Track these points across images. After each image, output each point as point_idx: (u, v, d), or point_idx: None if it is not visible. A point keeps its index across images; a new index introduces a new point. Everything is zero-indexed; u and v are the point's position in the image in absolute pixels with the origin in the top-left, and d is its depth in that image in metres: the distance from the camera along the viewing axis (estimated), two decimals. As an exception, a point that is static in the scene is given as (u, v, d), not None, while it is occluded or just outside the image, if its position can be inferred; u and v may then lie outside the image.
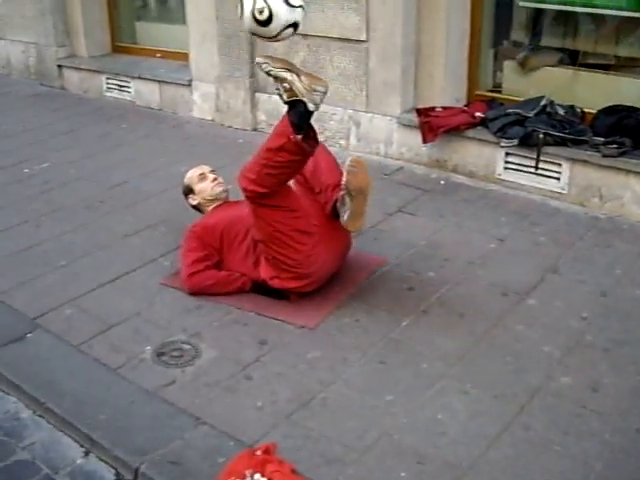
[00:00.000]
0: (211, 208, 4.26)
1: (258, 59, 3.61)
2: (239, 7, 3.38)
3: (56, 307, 3.91)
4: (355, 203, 3.63)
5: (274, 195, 3.62)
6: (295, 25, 3.35)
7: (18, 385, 3.35)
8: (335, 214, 3.74)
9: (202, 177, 4.33)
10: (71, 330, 3.70)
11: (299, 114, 3.47)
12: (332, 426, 3.01)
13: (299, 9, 3.34)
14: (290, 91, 3.46)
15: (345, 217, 3.66)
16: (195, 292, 3.94)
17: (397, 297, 3.90)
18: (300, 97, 3.44)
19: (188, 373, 3.35)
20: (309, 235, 3.74)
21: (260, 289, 3.92)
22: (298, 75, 3.46)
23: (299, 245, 3.71)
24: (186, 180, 4.40)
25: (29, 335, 3.69)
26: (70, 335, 3.66)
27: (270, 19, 3.29)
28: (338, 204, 3.69)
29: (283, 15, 3.29)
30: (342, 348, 3.49)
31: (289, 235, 3.69)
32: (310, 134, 3.56)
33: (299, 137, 3.46)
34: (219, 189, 4.28)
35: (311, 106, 3.46)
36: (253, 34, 3.50)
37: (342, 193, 3.65)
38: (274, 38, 3.39)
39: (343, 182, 3.63)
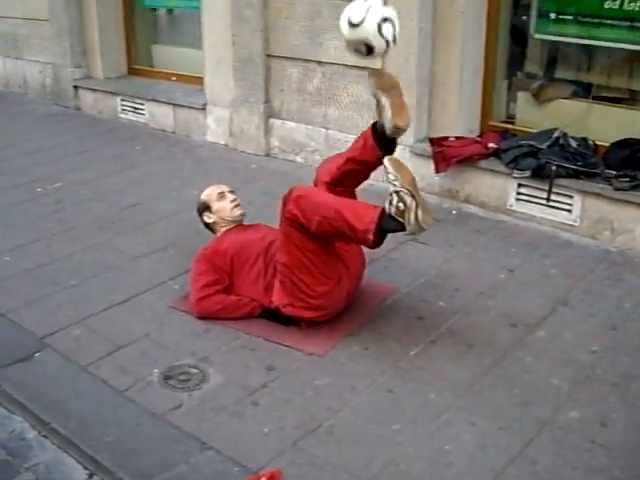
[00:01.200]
0: (224, 230, 4.25)
1: (386, 163, 3.56)
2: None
3: (65, 327, 3.91)
4: (392, 97, 3.65)
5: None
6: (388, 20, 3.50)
7: (24, 405, 3.34)
8: (379, 137, 3.81)
9: (221, 196, 4.29)
10: (79, 350, 3.70)
11: (392, 229, 3.49)
12: (338, 454, 2.99)
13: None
14: (400, 212, 3.43)
15: (390, 114, 3.66)
16: (204, 316, 3.94)
17: (407, 326, 3.89)
18: (406, 225, 3.43)
19: (195, 397, 3.33)
20: (335, 272, 3.74)
21: (269, 315, 3.90)
22: (417, 205, 3.42)
23: (325, 279, 3.70)
24: (204, 197, 4.35)
25: (37, 354, 3.68)
26: (78, 355, 3.66)
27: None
28: (376, 116, 3.74)
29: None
30: (350, 376, 3.47)
31: (318, 267, 3.67)
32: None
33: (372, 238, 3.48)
34: (238, 212, 4.25)
35: (408, 235, 3.53)
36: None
37: (376, 94, 3.70)
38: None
39: (373, 87, 3.72)
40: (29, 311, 4.08)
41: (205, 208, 4.32)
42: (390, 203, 3.46)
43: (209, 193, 4.35)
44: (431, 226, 3.48)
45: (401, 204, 3.42)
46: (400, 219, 3.43)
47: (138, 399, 3.33)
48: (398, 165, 3.57)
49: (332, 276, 3.72)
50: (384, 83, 3.70)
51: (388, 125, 3.69)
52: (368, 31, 3.47)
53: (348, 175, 3.97)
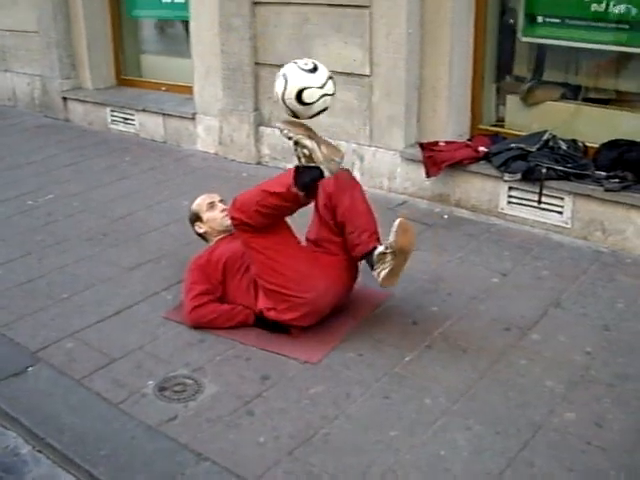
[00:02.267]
0: (216, 239, 4.26)
1: (278, 124, 3.75)
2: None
3: (58, 340, 3.89)
4: (396, 262, 3.64)
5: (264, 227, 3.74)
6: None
7: (18, 420, 3.32)
8: (367, 261, 3.79)
9: (211, 206, 4.32)
10: (73, 364, 3.68)
11: (312, 177, 3.64)
12: (335, 462, 2.98)
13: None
14: (309, 157, 3.61)
15: (383, 273, 3.66)
16: (198, 326, 3.93)
17: (401, 331, 3.89)
18: (319, 164, 3.58)
19: (190, 408, 3.32)
20: (304, 265, 3.78)
21: (263, 323, 3.90)
22: (318, 144, 3.60)
23: (294, 274, 3.73)
24: (194, 207, 4.39)
25: (30, 369, 3.67)
26: (72, 369, 3.64)
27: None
28: (375, 258, 3.68)
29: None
30: (345, 383, 3.47)
31: (282, 263, 3.72)
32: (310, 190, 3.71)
33: (301, 193, 3.64)
34: (228, 221, 4.16)
35: (327, 174, 3.61)
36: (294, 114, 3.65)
37: (386, 250, 3.65)
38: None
39: (390, 240, 3.62)
40: (22, 325, 4.06)
41: (196, 218, 4.35)
42: (297, 157, 3.66)
43: (199, 203, 4.39)
44: (343, 157, 3.68)
45: (305, 150, 3.63)
46: (312, 164, 3.61)
47: (133, 412, 3.31)
48: (289, 121, 3.71)
49: (301, 269, 3.76)
50: (402, 244, 3.64)
51: (378, 274, 3.71)
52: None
53: (322, 225, 3.98)
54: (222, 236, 4.25)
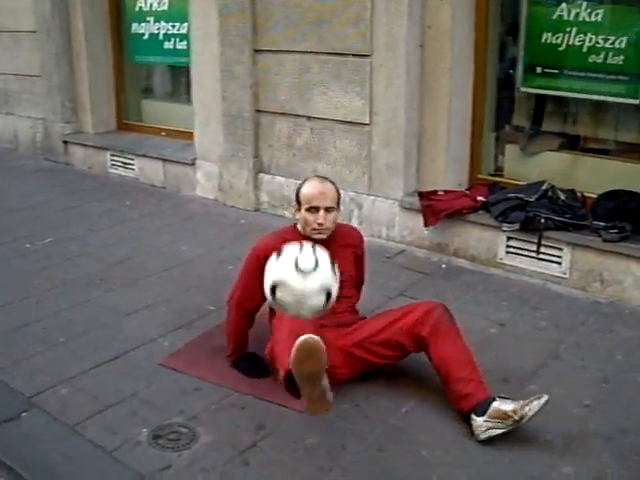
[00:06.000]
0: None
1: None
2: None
3: (53, 386, 3.86)
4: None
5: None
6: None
7: (10, 466, 3.26)
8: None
9: (314, 209, 3.83)
10: (67, 410, 3.64)
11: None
12: (330, 515, 2.95)
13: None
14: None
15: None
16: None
17: (397, 383, 3.85)
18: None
19: (184, 457, 3.28)
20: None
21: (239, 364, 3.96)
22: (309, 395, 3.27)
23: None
24: (301, 195, 3.89)
25: (24, 414, 3.63)
26: (65, 415, 3.60)
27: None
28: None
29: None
30: (341, 434, 3.43)
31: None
32: None
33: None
34: (316, 236, 3.80)
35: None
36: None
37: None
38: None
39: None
40: (16, 370, 4.03)
41: (297, 201, 3.94)
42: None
43: (306, 195, 3.87)
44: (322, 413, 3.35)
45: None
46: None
47: (127, 460, 3.27)
48: (305, 354, 3.13)
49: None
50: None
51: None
52: (326, 274, 3.13)
53: None
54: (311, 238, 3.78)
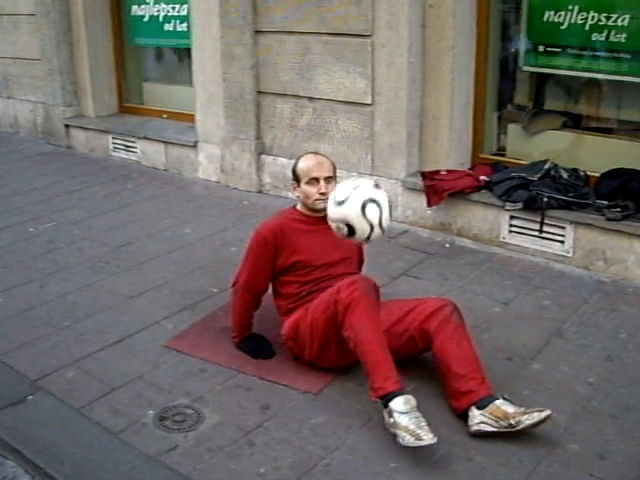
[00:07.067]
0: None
1: None
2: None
3: (58, 369, 3.87)
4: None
5: None
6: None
7: (17, 449, 3.29)
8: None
9: (314, 181, 3.84)
10: (73, 393, 3.66)
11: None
12: (335, 494, 2.96)
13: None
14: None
15: None
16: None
17: (402, 362, 3.85)
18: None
19: (190, 438, 3.30)
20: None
21: (244, 345, 3.98)
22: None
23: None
24: (298, 168, 3.91)
25: (30, 397, 3.64)
26: (72, 398, 3.62)
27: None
28: None
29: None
30: (346, 413, 3.45)
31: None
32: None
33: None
34: (322, 205, 3.78)
35: None
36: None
37: None
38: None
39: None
40: (22, 353, 4.05)
41: (295, 178, 3.95)
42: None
43: (303, 168, 3.90)
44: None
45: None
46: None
47: (133, 441, 3.29)
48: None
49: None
50: None
51: None
52: (349, 210, 3.38)
53: None
54: (305, 216, 3.95)
